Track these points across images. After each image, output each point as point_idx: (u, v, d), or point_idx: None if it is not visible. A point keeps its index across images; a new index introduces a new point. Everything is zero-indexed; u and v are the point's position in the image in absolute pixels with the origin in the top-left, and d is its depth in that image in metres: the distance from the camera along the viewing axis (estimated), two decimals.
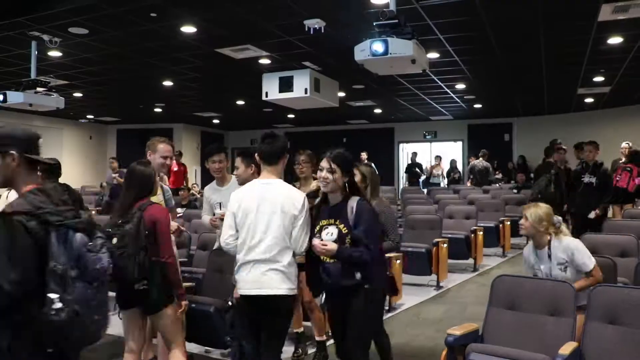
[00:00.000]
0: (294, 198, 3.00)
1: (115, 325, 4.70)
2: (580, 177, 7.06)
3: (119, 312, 3.20)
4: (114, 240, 2.91)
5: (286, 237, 2.95)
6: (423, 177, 15.08)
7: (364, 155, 13.39)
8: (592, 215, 6.70)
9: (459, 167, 15.12)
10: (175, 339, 3.18)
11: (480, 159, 12.65)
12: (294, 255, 2.99)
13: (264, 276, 2.92)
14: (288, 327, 3.16)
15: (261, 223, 2.94)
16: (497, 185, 12.70)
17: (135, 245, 2.92)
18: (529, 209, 3.51)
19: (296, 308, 4.26)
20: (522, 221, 3.53)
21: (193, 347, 4.33)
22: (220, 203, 4.10)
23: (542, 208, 3.50)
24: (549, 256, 3.46)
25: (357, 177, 3.47)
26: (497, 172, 13.87)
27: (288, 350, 4.42)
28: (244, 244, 2.98)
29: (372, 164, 12.72)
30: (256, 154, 3.17)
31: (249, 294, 2.96)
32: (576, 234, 4.77)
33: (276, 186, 3.03)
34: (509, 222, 8.75)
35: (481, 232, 7.75)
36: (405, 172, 15.81)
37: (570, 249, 3.40)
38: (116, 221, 3.05)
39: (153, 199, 3.36)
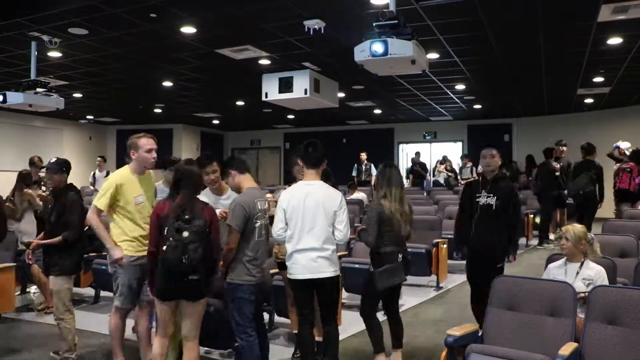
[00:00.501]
0: (333, 197, 3.61)
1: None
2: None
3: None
4: (185, 234, 3.12)
5: (329, 229, 3.54)
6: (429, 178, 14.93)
7: (363, 156, 13.37)
8: None
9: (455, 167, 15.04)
10: (198, 331, 3.39)
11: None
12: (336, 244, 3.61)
13: (314, 262, 3.50)
14: (338, 297, 3.97)
15: (308, 218, 3.52)
16: None
17: (203, 240, 3.18)
18: (567, 231, 3.68)
19: (293, 311, 4.27)
20: (562, 242, 3.69)
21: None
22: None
23: (578, 228, 3.69)
24: (578, 271, 3.61)
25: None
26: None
27: (288, 350, 4.43)
28: (292, 236, 3.54)
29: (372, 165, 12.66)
30: (299, 159, 3.76)
31: (302, 278, 3.53)
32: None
33: (317, 187, 3.61)
34: None
35: None
36: (410, 172, 15.63)
37: (602, 275, 3.56)
38: (182, 216, 3.19)
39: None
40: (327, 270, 3.54)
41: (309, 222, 3.51)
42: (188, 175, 3.37)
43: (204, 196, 4.35)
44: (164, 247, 3.13)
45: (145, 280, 3.72)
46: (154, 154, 3.85)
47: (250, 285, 3.54)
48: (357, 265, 5.36)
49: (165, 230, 3.16)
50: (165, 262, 3.14)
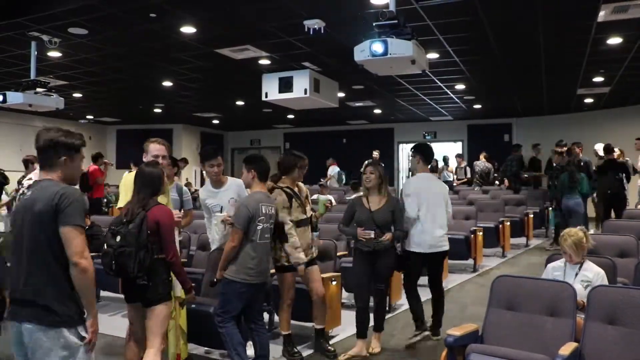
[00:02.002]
0: (443, 186, 5.02)
1: (112, 326, 4.72)
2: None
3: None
4: (117, 239, 3.04)
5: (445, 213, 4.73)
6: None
7: (376, 154, 13.38)
8: None
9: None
10: (157, 338, 3.19)
11: (483, 160, 12.66)
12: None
13: (441, 239, 4.67)
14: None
15: (433, 203, 4.63)
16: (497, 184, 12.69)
17: (136, 244, 3.02)
18: (565, 241, 3.68)
19: (285, 311, 4.32)
20: (566, 257, 3.71)
21: (193, 347, 4.33)
22: (220, 206, 4.09)
23: (574, 233, 3.70)
24: (577, 272, 3.63)
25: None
26: (498, 173, 13.82)
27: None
28: (422, 217, 4.59)
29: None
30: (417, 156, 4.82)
31: (428, 252, 4.62)
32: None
33: (431, 177, 4.95)
34: (508, 223, 8.75)
35: (481, 233, 7.74)
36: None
37: (601, 276, 3.58)
38: (122, 220, 3.13)
39: (160, 199, 3.41)
40: (447, 245, 4.74)
41: (434, 206, 4.64)
42: (142, 176, 3.32)
43: (203, 191, 4.42)
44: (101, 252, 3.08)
45: None
46: (161, 160, 3.85)
47: (244, 284, 3.62)
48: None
49: None
50: (104, 266, 3.07)
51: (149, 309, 3.17)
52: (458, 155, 14.57)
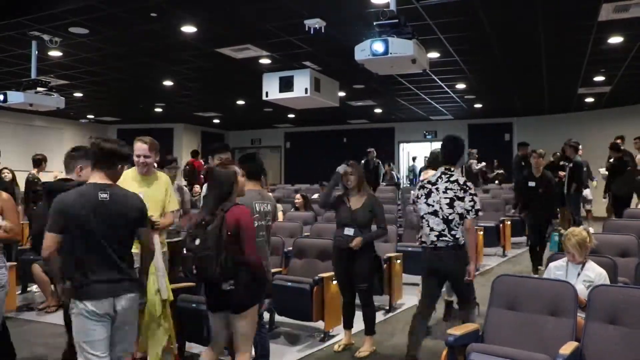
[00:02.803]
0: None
1: None
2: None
3: None
4: (197, 242, 2.98)
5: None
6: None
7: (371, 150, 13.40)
8: None
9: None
10: (249, 342, 3.18)
11: (474, 161, 12.65)
12: None
13: None
14: None
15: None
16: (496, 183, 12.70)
17: (216, 247, 2.93)
18: (569, 240, 3.65)
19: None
20: (569, 257, 3.69)
21: (193, 347, 4.33)
22: None
23: (578, 233, 3.69)
24: (579, 272, 3.63)
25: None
26: (498, 171, 13.81)
27: (289, 350, 4.42)
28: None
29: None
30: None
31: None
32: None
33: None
34: (509, 222, 8.74)
35: (481, 232, 7.74)
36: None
37: (603, 276, 3.58)
38: (200, 222, 3.05)
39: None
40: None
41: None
42: (214, 177, 3.23)
43: (206, 186, 4.44)
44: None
45: None
46: (142, 159, 3.89)
47: None
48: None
49: None
50: (186, 271, 3.12)
51: (239, 315, 3.09)
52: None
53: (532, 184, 6.89)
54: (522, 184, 7.13)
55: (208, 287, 3.13)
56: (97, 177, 2.87)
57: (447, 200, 3.89)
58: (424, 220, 3.99)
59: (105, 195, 2.80)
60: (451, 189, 3.89)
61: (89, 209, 2.76)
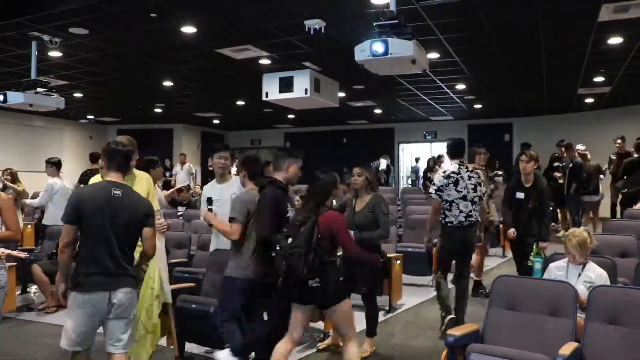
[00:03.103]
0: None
1: None
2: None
3: None
4: (289, 241, 3.25)
5: None
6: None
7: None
8: None
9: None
10: (349, 331, 3.43)
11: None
12: None
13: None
14: None
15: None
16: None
17: (306, 246, 3.20)
18: (570, 241, 3.66)
19: None
20: (570, 258, 3.69)
21: (193, 347, 4.33)
22: (210, 198, 4.06)
23: (578, 234, 3.70)
24: (580, 273, 3.62)
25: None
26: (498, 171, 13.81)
27: None
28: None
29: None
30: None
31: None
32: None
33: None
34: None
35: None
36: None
37: (603, 277, 3.58)
38: (294, 223, 3.35)
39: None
40: None
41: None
42: (315, 184, 3.66)
43: (207, 186, 4.49)
44: (272, 254, 3.31)
45: None
46: None
47: (244, 281, 3.61)
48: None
49: None
50: (277, 267, 3.31)
51: (330, 310, 3.38)
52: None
53: (520, 195, 5.52)
54: (507, 195, 5.75)
55: (293, 281, 3.32)
56: (112, 176, 3.11)
57: (472, 186, 4.81)
58: (453, 204, 4.77)
59: (118, 192, 3.03)
60: (473, 177, 4.85)
61: (102, 201, 2.97)
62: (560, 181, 9.40)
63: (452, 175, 4.83)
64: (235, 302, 3.64)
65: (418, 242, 6.58)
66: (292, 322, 3.43)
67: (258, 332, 3.63)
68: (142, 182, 3.86)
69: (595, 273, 3.60)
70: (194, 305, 3.94)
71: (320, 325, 4.75)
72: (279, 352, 3.38)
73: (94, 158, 8.38)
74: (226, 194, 4.25)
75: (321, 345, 4.58)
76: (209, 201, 4.00)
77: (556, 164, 9.61)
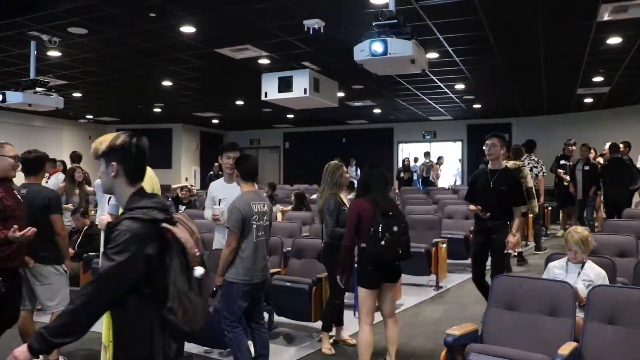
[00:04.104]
0: None
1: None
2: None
3: None
4: (395, 228, 3.52)
5: None
6: None
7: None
8: None
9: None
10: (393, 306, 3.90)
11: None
12: None
13: None
14: None
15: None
16: None
17: (407, 231, 3.65)
18: (572, 237, 3.65)
19: None
20: (572, 255, 3.68)
21: (193, 347, 4.33)
22: (221, 199, 4.09)
23: (580, 231, 3.71)
24: (579, 272, 3.61)
25: None
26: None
27: (288, 350, 4.42)
28: None
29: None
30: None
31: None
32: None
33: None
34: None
35: None
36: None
37: (602, 276, 3.57)
38: (384, 213, 3.57)
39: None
40: None
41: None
42: (373, 177, 3.81)
43: (214, 184, 4.51)
44: (382, 242, 3.49)
45: None
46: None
47: (244, 285, 3.61)
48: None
49: (373, 228, 3.52)
50: (383, 255, 3.52)
51: (394, 284, 3.80)
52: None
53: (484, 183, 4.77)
54: (472, 181, 5.04)
55: (388, 264, 3.62)
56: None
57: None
58: None
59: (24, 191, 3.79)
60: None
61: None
62: (566, 183, 9.35)
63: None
64: (238, 307, 3.64)
65: (418, 242, 6.58)
66: (382, 301, 3.79)
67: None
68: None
69: (594, 272, 3.60)
70: None
71: (318, 325, 4.75)
72: (368, 341, 3.74)
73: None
74: (234, 194, 4.24)
75: (329, 341, 4.52)
76: (219, 202, 4.05)
77: (562, 162, 9.57)
